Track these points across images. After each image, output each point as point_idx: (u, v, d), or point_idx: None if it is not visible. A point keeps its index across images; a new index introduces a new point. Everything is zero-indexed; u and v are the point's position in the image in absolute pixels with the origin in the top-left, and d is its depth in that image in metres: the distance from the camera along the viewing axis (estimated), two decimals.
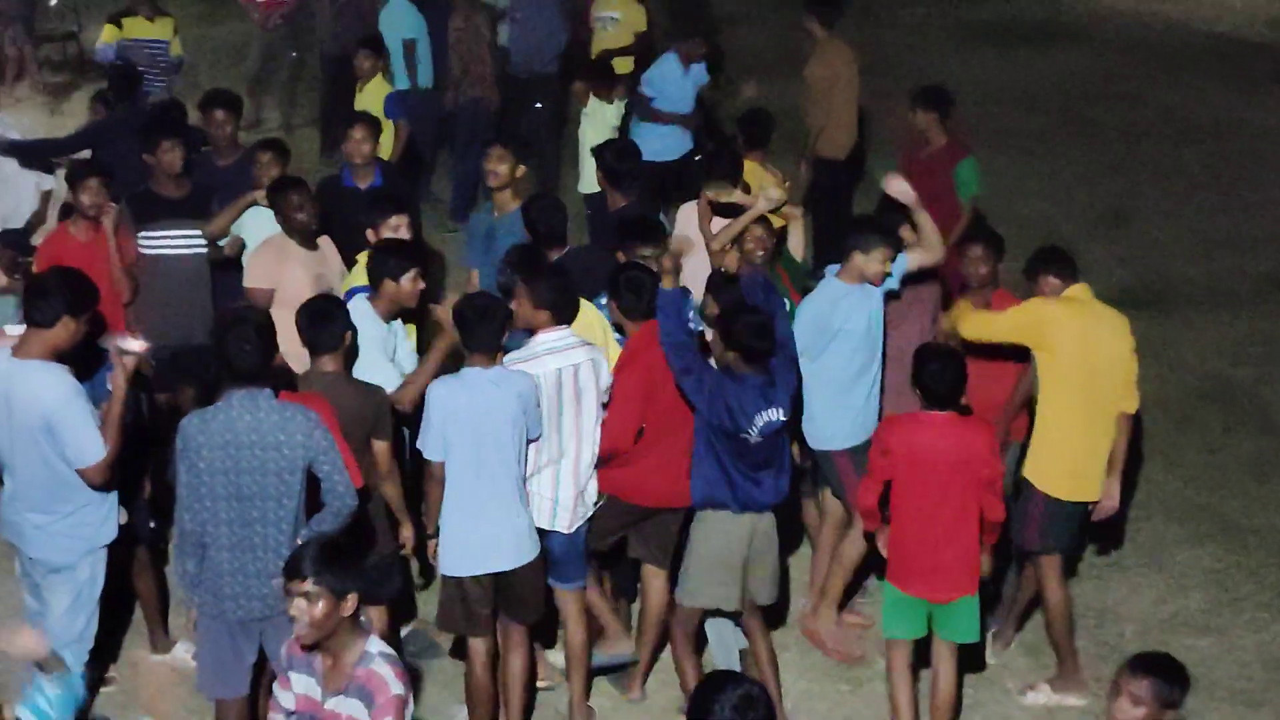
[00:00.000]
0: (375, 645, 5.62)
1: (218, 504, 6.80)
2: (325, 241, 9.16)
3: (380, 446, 7.60)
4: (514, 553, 7.49)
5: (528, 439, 7.54)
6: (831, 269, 8.48)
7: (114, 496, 7.43)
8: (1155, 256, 13.81)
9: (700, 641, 8.05)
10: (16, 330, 7.39)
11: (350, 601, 5.57)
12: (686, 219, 9.60)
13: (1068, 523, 8.22)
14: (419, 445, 7.50)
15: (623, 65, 14.44)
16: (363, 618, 5.84)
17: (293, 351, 7.72)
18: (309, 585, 5.54)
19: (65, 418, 7.07)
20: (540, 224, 8.93)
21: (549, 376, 7.70)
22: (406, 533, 7.78)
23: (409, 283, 8.13)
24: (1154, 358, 12.03)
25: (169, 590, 8.77)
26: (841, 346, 8.28)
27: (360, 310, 7.96)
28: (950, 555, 7.45)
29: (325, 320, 7.54)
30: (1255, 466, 10.66)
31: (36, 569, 7.45)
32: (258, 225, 9.47)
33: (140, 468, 7.96)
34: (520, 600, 7.62)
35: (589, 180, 11.78)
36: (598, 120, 12.51)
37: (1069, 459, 8.12)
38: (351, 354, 7.78)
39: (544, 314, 7.80)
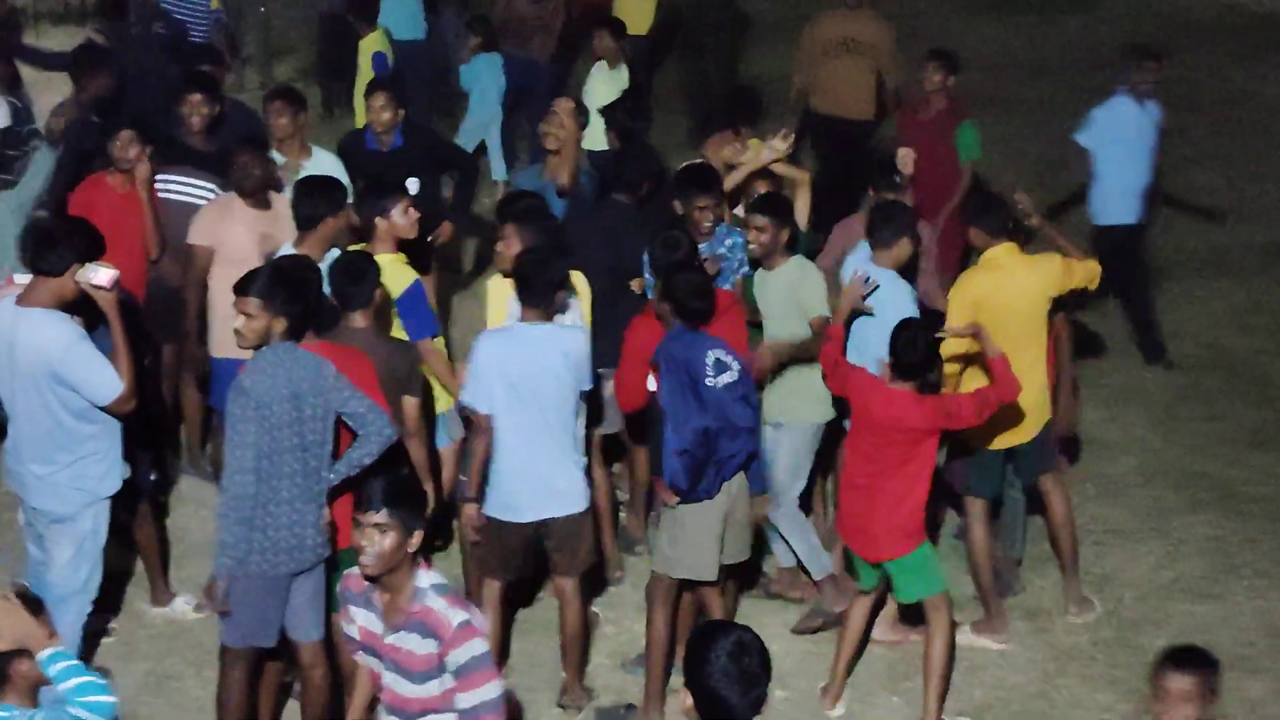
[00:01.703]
0: (425, 579, 5.62)
1: (282, 458, 6.75)
2: (280, 201, 9.00)
3: (410, 403, 7.65)
4: (557, 503, 7.59)
5: (580, 390, 7.62)
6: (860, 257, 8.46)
7: (118, 448, 7.42)
8: (1158, 225, 13.76)
9: (675, 609, 7.90)
10: (25, 278, 7.37)
11: (416, 538, 5.57)
12: None
13: (988, 469, 8.41)
14: (465, 398, 7.57)
15: (640, 24, 14.47)
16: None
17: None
18: (381, 517, 5.53)
19: (73, 362, 7.06)
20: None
21: None
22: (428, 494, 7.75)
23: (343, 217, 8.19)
24: None
25: (169, 543, 8.79)
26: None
27: None
28: (876, 520, 7.59)
29: (357, 276, 7.55)
30: (1255, 435, 10.68)
31: (39, 519, 7.45)
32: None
33: (143, 419, 7.95)
34: (566, 551, 7.70)
35: (595, 137, 11.77)
36: (607, 77, 12.47)
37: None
38: (383, 310, 7.87)
39: None
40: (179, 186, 9.54)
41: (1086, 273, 8.50)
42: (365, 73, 13.11)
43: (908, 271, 8.57)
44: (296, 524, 6.84)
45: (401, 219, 8.36)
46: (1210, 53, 18.62)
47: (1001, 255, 8.28)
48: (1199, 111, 16.77)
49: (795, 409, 8.42)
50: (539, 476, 7.55)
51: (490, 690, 5.56)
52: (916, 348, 7.47)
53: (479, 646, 5.55)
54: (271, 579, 6.88)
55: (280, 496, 6.79)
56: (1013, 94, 17.08)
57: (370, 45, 13.36)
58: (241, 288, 6.87)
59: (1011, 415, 8.20)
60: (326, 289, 7.54)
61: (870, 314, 8.16)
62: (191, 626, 8.45)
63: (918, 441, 7.50)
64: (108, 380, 7.11)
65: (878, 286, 8.14)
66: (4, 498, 8.81)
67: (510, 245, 7.98)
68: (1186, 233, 13.81)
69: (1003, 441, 8.35)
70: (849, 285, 8.14)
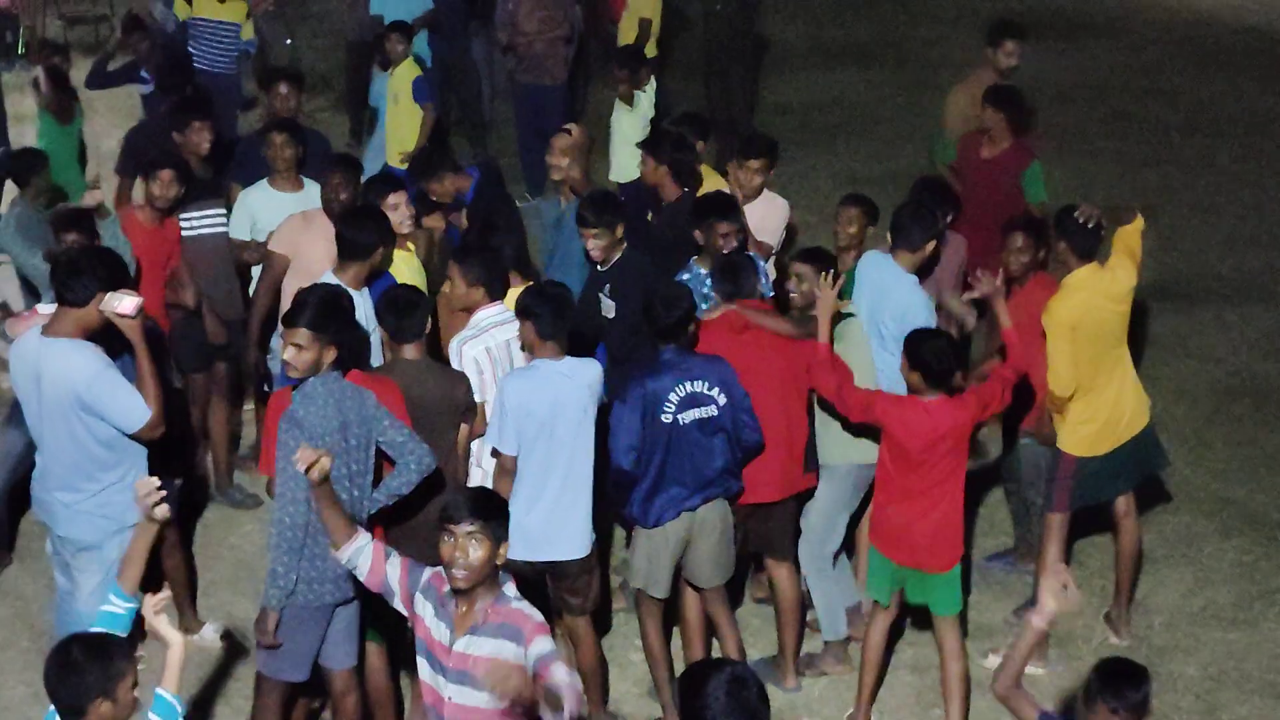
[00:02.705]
0: (512, 589, 5.67)
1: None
2: None
3: (465, 430, 7.65)
4: (577, 543, 7.56)
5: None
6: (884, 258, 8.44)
7: (144, 476, 7.41)
8: (1186, 251, 13.74)
9: (669, 625, 8.02)
10: (49, 309, 7.40)
11: (504, 550, 5.59)
12: None
13: (1099, 473, 8.35)
14: (490, 440, 7.52)
15: (650, 49, 14.46)
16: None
17: None
18: (473, 527, 5.52)
19: (100, 390, 7.08)
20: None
21: (501, 348, 7.80)
22: None
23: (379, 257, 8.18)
24: (1183, 351, 12.05)
25: (197, 571, 8.80)
26: None
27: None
28: (927, 528, 7.57)
29: (408, 309, 7.55)
30: None
31: (66, 547, 7.46)
32: (266, 208, 9.59)
33: (171, 447, 7.97)
34: (580, 592, 7.68)
35: (622, 168, 11.77)
36: (634, 108, 12.45)
37: (1093, 421, 8.26)
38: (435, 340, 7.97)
39: (479, 291, 7.90)
40: (207, 220, 9.61)
41: (1139, 235, 8.46)
42: (406, 101, 13.10)
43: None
44: None
45: (393, 213, 8.56)
46: (1235, 78, 18.60)
47: (1086, 275, 8.18)
48: (1225, 137, 16.76)
49: (834, 449, 8.22)
50: (561, 516, 7.51)
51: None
52: (947, 356, 7.45)
53: (550, 643, 5.56)
54: (315, 609, 6.90)
55: None
56: (1039, 119, 17.04)
57: (407, 73, 13.30)
58: (290, 319, 6.88)
59: (1110, 414, 8.27)
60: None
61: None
62: (220, 655, 8.45)
63: (961, 447, 7.52)
64: (135, 407, 7.12)
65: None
66: (32, 527, 8.84)
67: (454, 285, 8.01)
68: (1216, 258, 13.76)
69: (1110, 443, 8.32)
70: (822, 296, 7.96)
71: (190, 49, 13.90)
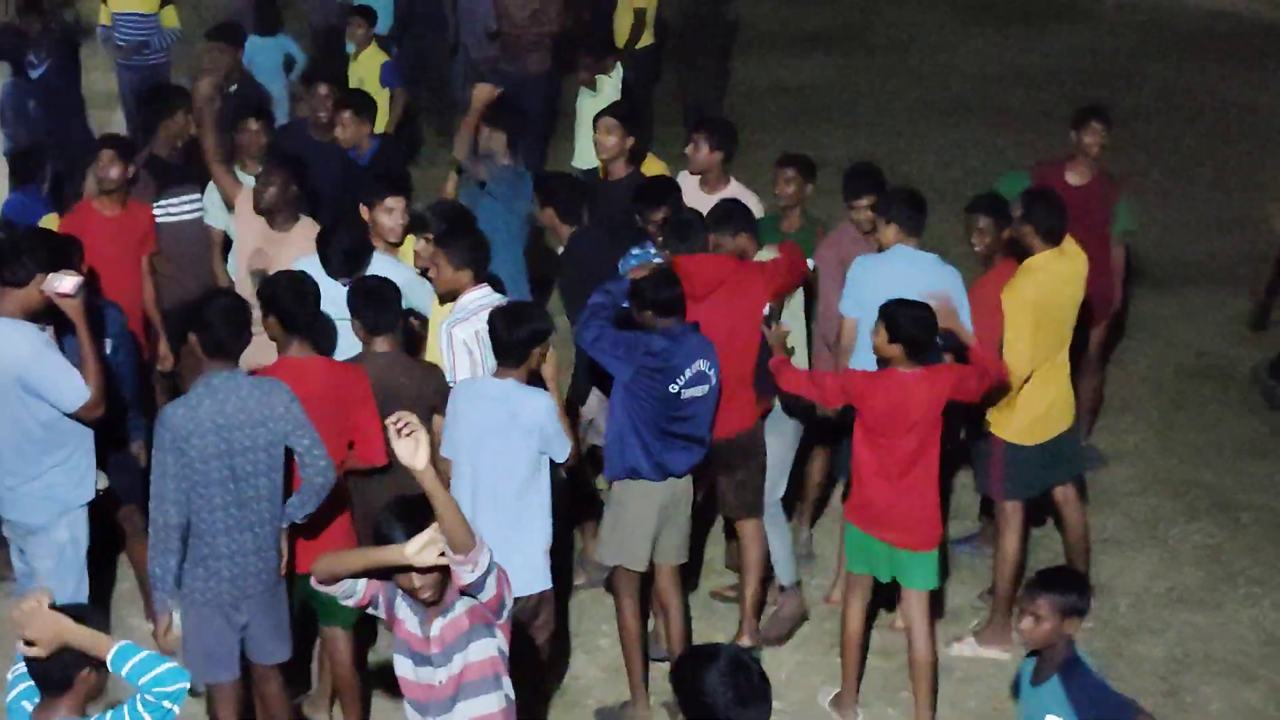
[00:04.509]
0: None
1: (211, 490, 6.66)
2: (305, 227, 8.83)
3: (440, 422, 7.47)
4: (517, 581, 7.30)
5: (553, 461, 7.27)
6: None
7: (89, 458, 7.38)
8: (1153, 236, 13.74)
9: (644, 602, 7.95)
10: None
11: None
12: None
13: (1030, 465, 8.31)
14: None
15: (619, 38, 14.37)
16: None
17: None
18: None
19: (38, 369, 7.04)
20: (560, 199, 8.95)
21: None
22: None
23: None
24: (1151, 336, 12.06)
25: None
26: None
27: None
28: (908, 506, 7.54)
29: (381, 303, 7.48)
30: (1251, 445, 10.62)
31: (15, 531, 7.43)
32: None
33: (124, 429, 7.92)
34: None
35: (584, 154, 11.69)
36: (598, 93, 12.37)
37: (1033, 409, 8.22)
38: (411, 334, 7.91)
39: (466, 274, 7.83)
40: (183, 207, 9.56)
41: None
42: (371, 86, 13.00)
43: None
44: (237, 553, 6.75)
45: (386, 218, 8.56)
46: (1203, 62, 18.62)
47: (1048, 258, 8.13)
48: (1194, 121, 16.79)
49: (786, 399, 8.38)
50: (501, 548, 7.24)
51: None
52: (929, 326, 7.40)
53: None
54: (215, 608, 6.81)
55: (216, 528, 6.71)
56: (1005, 104, 17.07)
57: (373, 58, 13.20)
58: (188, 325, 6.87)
59: (1050, 405, 8.24)
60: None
61: None
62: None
63: (936, 420, 7.46)
64: (75, 386, 7.07)
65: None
66: None
67: (440, 270, 7.92)
68: (1183, 242, 13.78)
69: (1044, 434, 8.28)
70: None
71: (118, 42, 13.64)
